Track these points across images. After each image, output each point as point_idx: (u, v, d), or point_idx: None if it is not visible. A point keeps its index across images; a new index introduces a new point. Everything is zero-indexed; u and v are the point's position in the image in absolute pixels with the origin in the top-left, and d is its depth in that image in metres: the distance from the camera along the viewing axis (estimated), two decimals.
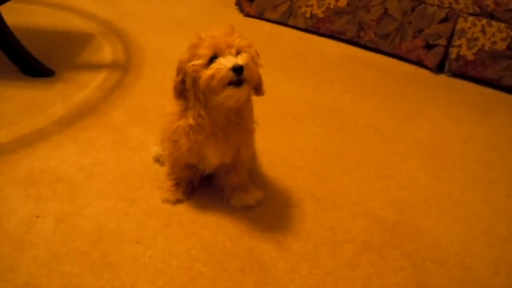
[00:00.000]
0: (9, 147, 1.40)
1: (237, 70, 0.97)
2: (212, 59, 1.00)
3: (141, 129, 1.54)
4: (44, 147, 1.41)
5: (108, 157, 1.40)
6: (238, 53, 1.01)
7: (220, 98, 1.02)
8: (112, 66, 1.95)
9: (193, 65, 1.01)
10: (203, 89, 1.02)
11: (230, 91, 1.00)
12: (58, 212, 1.19)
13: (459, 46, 2.09)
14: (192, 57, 1.02)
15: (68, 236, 1.12)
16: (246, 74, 0.99)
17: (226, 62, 0.98)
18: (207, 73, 0.99)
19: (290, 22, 2.52)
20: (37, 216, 1.17)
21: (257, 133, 1.23)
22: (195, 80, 1.03)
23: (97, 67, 1.92)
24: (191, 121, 1.08)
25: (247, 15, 2.63)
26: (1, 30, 1.68)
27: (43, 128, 1.50)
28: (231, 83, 0.99)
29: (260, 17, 2.60)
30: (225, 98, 1.01)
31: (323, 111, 1.77)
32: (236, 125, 1.11)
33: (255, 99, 1.17)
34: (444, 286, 1.10)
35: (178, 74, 1.07)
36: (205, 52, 1.00)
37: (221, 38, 1.01)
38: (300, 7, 2.46)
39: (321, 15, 2.41)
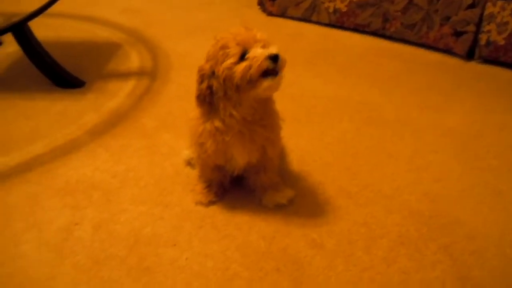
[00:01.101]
0: (45, 158, 1.44)
1: (274, 58, 1.00)
2: (243, 55, 1.02)
3: (171, 134, 1.56)
4: (78, 157, 1.45)
5: (140, 163, 1.42)
6: (264, 46, 1.03)
7: (259, 90, 1.03)
8: (140, 73, 1.98)
9: (226, 65, 1.02)
10: (239, 82, 1.02)
11: (269, 82, 1.02)
12: (95, 219, 1.22)
13: (489, 31, 2.04)
14: (223, 57, 1.03)
15: (105, 242, 1.15)
16: (280, 62, 1.02)
17: (261, 52, 1.01)
18: (243, 65, 1.01)
19: (314, 18, 2.51)
20: (76, 224, 1.20)
21: (285, 131, 1.23)
22: (227, 79, 1.03)
23: (125, 75, 1.96)
24: (217, 123, 1.09)
25: (270, 14, 2.63)
26: (32, 45, 1.74)
27: (76, 138, 1.54)
28: (267, 73, 1.02)
29: (283, 15, 2.60)
30: (264, 90, 1.03)
31: (351, 106, 1.76)
32: (261, 121, 1.11)
33: (281, 97, 1.17)
34: (485, 278, 1.07)
35: (202, 82, 1.07)
36: (236, 50, 1.02)
37: (246, 34, 1.03)
38: (323, 3, 2.44)
39: (345, 9, 2.39)
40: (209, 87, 1.07)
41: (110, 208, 1.26)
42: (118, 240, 1.15)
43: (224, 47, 1.03)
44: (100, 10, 2.66)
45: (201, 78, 1.08)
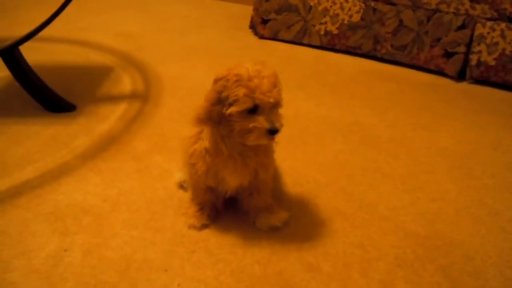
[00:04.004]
0: (35, 183, 1.41)
1: (273, 132, 1.01)
2: (253, 108, 1.00)
3: (163, 157, 1.54)
4: (69, 181, 1.43)
5: (132, 187, 1.40)
6: (273, 106, 1.02)
7: (249, 142, 1.04)
8: (132, 96, 1.97)
9: (231, 110, 1.00)
10: (235, 134, 1.03)
11: (265, 139, 1.03)
12: (85, 244, 1.19)
13: (479, 52, 2.06)
14: (232, 99, 1.00)
15: (96, 268, 1.12)
16: (277, 134, 1.03)
17: (266, 124, 1.00)
18: (243, 125, 1.01)
19: (305, 41, 2.53)
20: (65, 250, 1.17)
21: (279, 152, 1.22)
22: (227, 118, 1.02)
23: (117, 98, 1.95)
24: (206, 144, 1.09)
25: (262, 37, 2.65)
26: (22, 69, 1.73)
27: (67, 162, 1.52)
28: None
29: (274, 38, 2.62)
30: (253, 143, 1.04)
31: (344, 127, 1.75)
32: (254, 146, 1.10)
33: None
34: None
35: (215, 102, 1.02)
36: (248, 103, 0.99)
37: (266, 90, 0.99)
38: (314, 25, 2.47)
39: (336, 32, 2.41)
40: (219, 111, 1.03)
41: (101, 233, 1.23)
42: (109, 265, 1.12)
43: (237, 94, 0.99)
44: (93, 34, 2.67)
45: (218, 100, 1.02)
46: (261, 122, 1.00)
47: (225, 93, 1.00)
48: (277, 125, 1.01)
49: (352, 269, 1.13)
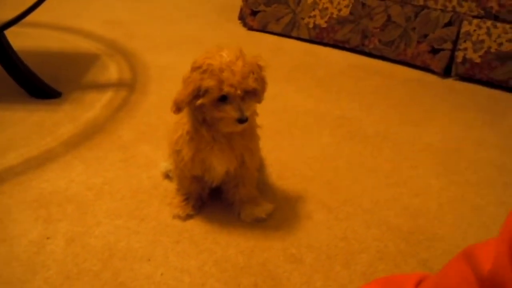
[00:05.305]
0: (18, 169, 1.40)
1: (242, 121, 1.02)
2: (221, 97, 1.01)
3: (149, 146, 1.53)
4: (53, 168, 1.41)
5: (117, 176, 1.39)
6: (245, 91, 1.01)
7: (223, 130, 1.07)
8: (118, 85, 1.96)
9: (202, 101, 1.01)
10: (207, 119, 1.06)
11: (235, 127, 1.05)
12: (69, 232, 1.18)
13: (465, 49, 2.08)
14: (204, 91, 1.00)
15: (79, 256, 1.11)
16: (247, 123, 1.04)
17: (233, 113, 1.01)
18: (214, 114, 1.03)
19: (294, 34, 2.53)
20: (48, 238, 1.16)
21: (265, 144, 1.22)
22: (199, 107, 1.03)
23: (103, 86, 1.93)
24: (188, 127, 1.09)
25: (251, 28, 2.64)
26: (7, 54, 1.70)
27: (51, 149, 1.50)
28: None
29: (263, 30, 2.61)
30: (230, 130, 1.07)
31: (331, 120, 1.76)
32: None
33: (262, 111, 1.16)
34: None
35: (189, 88, 1.02)
36: (216, 93, 0.99)
37: (236, 82, 0.98)
38: (303, 18, 2.46)
39: (324, 25, 2.41)
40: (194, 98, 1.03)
41: (85, 221, 1.22)
42: (92, 254, 1.12)
43: (207, 86, 0.99)
44: (83, 21, 2.63)
45: (196, 93, 1.02)
46: (228, 112, 1.01)
47: (202, 86, 1.00)
48: (246, 114, 1.02)
49: (335, 261, 1.14)
